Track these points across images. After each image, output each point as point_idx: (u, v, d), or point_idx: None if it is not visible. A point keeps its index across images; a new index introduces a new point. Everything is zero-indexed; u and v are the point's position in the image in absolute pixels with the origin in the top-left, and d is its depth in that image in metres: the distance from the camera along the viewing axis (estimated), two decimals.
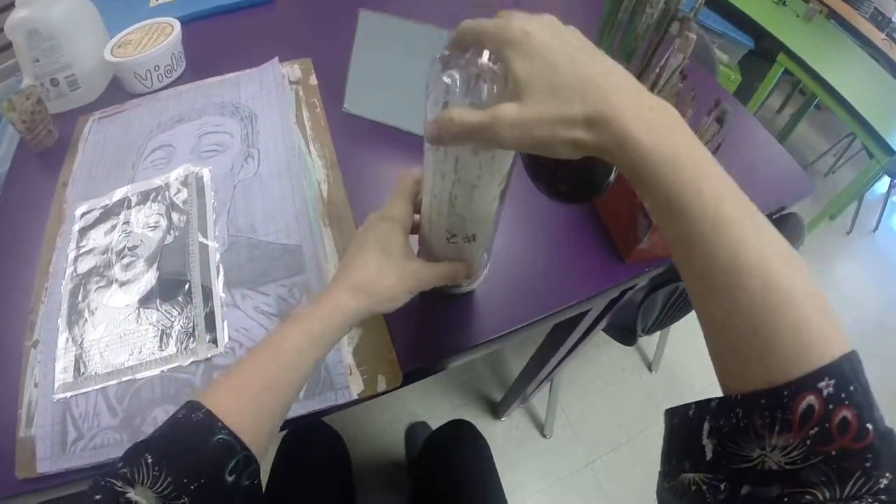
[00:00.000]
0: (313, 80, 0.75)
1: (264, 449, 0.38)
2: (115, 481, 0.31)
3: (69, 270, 0.54)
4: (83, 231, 0.57)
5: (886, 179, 2.35)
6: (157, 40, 0.75)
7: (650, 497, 0.34)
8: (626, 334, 1.02)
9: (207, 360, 0.47)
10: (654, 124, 0.26)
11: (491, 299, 0.55)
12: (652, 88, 0.57)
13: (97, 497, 0.30)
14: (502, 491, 0.77)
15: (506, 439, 1.39)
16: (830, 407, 0.21)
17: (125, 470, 0.31)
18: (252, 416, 0.36)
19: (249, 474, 0.35)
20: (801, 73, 1.90)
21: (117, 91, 0.77)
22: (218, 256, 0.54)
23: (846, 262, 2.19)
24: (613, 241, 0.60)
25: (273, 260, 0.54)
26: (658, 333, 1.51)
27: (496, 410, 1.42)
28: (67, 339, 0.49)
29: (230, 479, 0.33)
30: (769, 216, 0.71)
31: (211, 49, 0.83)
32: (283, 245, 0.55)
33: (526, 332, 0.58)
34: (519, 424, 1.43)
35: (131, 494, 0.30)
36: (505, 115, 0.28)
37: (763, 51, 2.00)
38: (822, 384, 0.21)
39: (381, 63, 0.68)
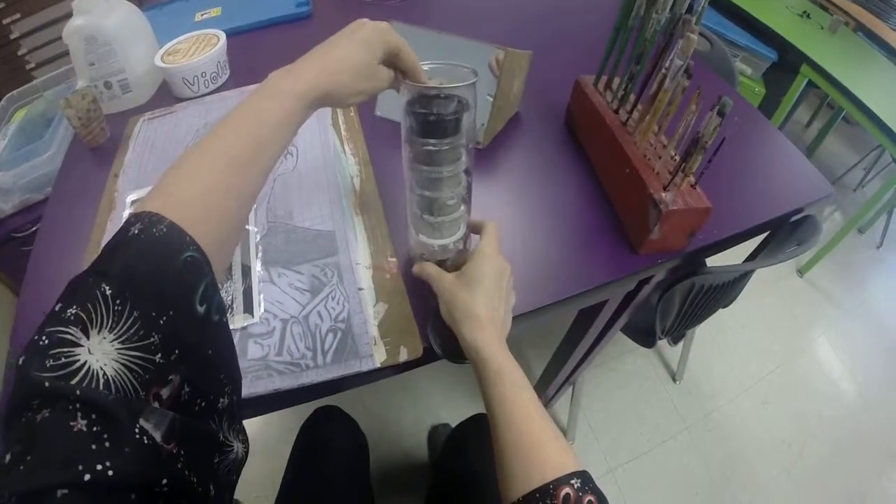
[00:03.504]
0: None
1: (222, 273, 0.33)
2: (65, 330, 0.23)
3: None
4: None
5: None
6: (204, 49, 0.81)
7: None
8: (645, 336, 1.03)
9: (244, 328, 0.51)
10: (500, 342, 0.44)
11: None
12: (660, 86, 0.60)
13: (43, 364, 0.22)
14: None
15: None
16: (580, 494, 0.35)
17: (75, 311, 0.23)
18: (216, 227, 0.31)
19: (218, 307, 0.30)
20: (826, 84, 1.88)
21: (166, 95, 0.83)
22: (258, 238, 0.59)
23: (877, 275, 2.13)
24: (627, 233, 0.62)
25: (308, 243, 0.58)
26: (682, 343, 1.50)
27: None
28: None
29: (201, 309, 0.28)
30: (788, 215, 0.72)
31: (253, 59, 0.89)
32: (317, 230, 0.59)
33: (543, 318, 0.60)
34: None
35: (85, 355, 0.22)
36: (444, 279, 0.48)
37: (788, 64, 2.00)
38: (573, 481, 0.36)
39: None
